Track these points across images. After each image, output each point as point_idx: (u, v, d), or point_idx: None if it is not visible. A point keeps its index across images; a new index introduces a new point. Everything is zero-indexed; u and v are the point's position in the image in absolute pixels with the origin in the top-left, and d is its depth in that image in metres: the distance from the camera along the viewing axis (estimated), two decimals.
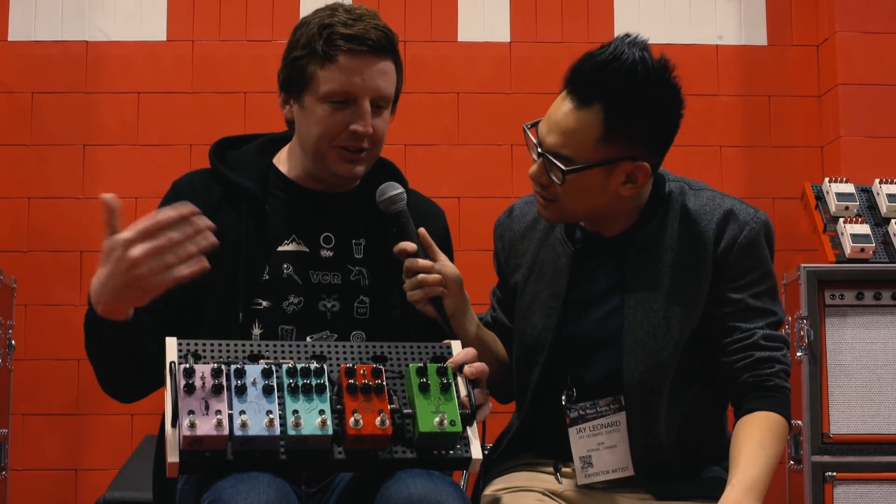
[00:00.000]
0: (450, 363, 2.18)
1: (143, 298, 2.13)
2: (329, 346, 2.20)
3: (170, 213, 2.07)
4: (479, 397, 2.19)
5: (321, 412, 2.05)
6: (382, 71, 2.42)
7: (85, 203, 4.47)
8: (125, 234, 2.06)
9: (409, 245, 2.39)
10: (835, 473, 3.77)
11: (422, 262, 2.38)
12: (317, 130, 2.43)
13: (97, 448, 4.37)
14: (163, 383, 2.16)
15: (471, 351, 2.24)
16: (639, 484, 2.38)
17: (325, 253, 2.49)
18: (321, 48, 2.39)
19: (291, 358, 2.15)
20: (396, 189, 2.44)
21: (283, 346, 2.18)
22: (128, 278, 2.08)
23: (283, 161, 2.56)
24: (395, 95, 2.50)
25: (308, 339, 2.41)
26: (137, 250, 2.05)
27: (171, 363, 2.06)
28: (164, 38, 4.58)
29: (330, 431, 2.04)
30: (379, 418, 2.06)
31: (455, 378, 2.17)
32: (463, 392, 2.16)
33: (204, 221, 2.09)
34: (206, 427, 1.98)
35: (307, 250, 2.47)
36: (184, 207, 2.09)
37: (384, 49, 2.42)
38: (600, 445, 2.39)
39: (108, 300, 2.15)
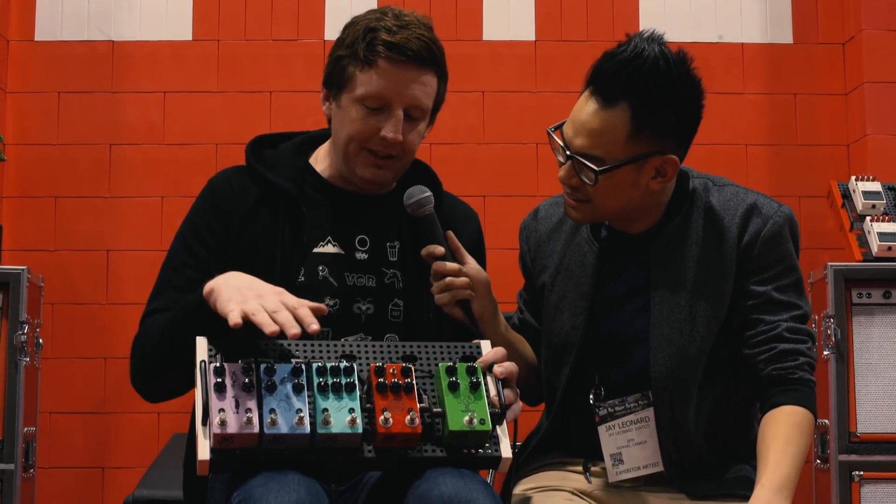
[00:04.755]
0: (479, 363, 2.18)
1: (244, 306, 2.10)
2: (359, 346, 2.21)
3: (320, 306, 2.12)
4: (509, 396, 2.19)
5: (351, 410, 2.05)
6: (421, 82, 2.41)
7: (111, 202, 4.49)
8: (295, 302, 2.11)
9: (437, 248, 2.39)
10: (862, 473, 3.75)
11: (449, 265, 2.38)
12: (348, 131, 2.43)
13: (124, 446, 4.39)
14: (188, 389, 2.17)
15: (500, 350, 2.24)
16: (669, 481, 2.39)
17: (361, 255, 2.48)
18: (362, 52, 2.38)
19: (322, 357, 2.16)
20: (424, 192, 2.43)
21: (313, 345, 2.19)
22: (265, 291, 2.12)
23: (319, 161, 2.56)
24: (435, 107, 2.50)
25: (343, 340, 2.41)
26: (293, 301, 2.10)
27: (201, 362, 2.07)
28: (190, 38, 4.59)
29: (360, 430, 2.04)
30: (409, 416, 2.06)
31: (484, 377, 2.17)
32: (493, 391, 2.17)
33: (314, 328, 2.07)
34: (236, 425, 1.99)
35: (342, 252, 2.47)
36: (320, 310, 2.11)
37: (424, 60, 2.40)
38: (630, 442, 2.39)
39: (229, 294, 2.13)
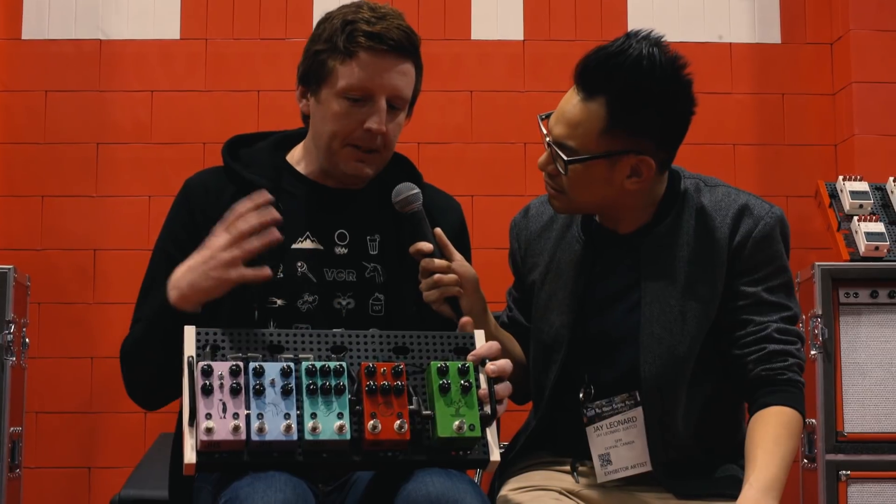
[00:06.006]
0: (471, 357, 2.17)
1: (217, 290, 2.21)
2: (350, 337, 2.19)
3: (246, 204, 2.19)
4: (501, 392, 2.18)
5: (339, 416, 2.04)
6: (401, 71, 2.43)
7: (98, 201, 4.48)
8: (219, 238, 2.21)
9: (426, 245, 2.39)
10: (849, 472, 3.76)
11: (438, 262, 2.38)
12: (331, 127, 2.43)
13: (111, 446, 4.38)
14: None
15: (494, 345, 2.23)
16: (657, 481, 2.39)
17: (340, 250, 2.48)
18: (342, 44, 2.39)
19: (311, 349, 2.14)
20: (412, 189, 2.42)
21: (303, 335, 2.17)
22: (206, 267, 2.19)
23: (297, 158, 2.56)
24: (413, 98, 2.50)
25: (333, 332, 2.39)
26: (220, 240, 2.19)
27: (189, 357, 2.05)
28: (178, 37, 4.58)
29: (348, 437, 2.03)
30: (398, 423, 2.05)
31: (476, 374, 2.16)
32: (483, 386, 2.15)
33: (271, 214, 2.18)
34: (223, 432, 1.97)
35: (321, 248, 2.47)
36: (259, 197, 2.19)
37: (405, 50, 2.42)
38: (618, 442, 2.39)
39: (185, 287, 2.22)
